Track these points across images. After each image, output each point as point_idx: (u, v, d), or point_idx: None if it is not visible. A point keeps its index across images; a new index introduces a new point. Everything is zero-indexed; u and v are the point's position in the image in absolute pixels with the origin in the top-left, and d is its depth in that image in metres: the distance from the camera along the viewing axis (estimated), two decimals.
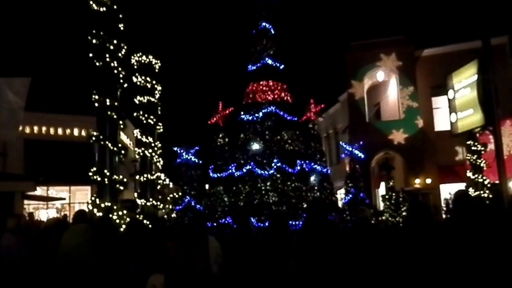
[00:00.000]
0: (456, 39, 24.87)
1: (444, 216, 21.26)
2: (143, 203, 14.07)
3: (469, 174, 17.46)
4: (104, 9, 10.54)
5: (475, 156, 17.32)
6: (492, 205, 13.76)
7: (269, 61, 21.54)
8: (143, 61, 14.68)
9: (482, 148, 17.36)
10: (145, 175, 14.36)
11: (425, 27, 52.20)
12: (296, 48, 71.39)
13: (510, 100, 20.88)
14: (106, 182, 10.07)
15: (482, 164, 17.23)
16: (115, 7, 10.70)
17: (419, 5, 61.72)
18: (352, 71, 27.06)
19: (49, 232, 8.30)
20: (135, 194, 14.73)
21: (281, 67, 21.92)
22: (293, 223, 16.60)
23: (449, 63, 20.45)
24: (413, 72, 25.99)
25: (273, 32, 22.06)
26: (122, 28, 10.88)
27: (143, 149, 14.45)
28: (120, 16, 10.84)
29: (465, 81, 16.89)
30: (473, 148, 17.38)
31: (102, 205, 9.84)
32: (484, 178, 17.07)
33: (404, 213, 18.22)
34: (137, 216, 12.43)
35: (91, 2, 10.48)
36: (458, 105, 17.47)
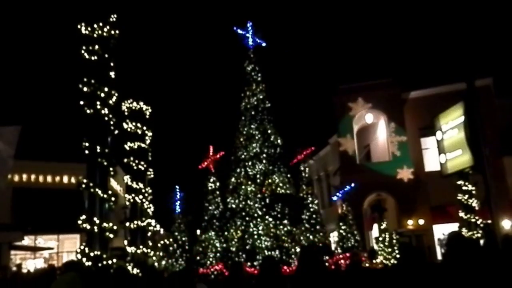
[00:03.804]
0: (442, 81, 25.42)
1: (439, 257, 21.04)
2: (133, 251, 13.77)
3: (461, 214, 17.42)
4: (96, 57, 10.70)
5: (467, 196, 17.34)
6: (486, 245, 13.66)
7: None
8: (133, 107, 14.76)
9: (473, 188, 17.40)
10: (136, 222, 14.14)
11: (411, 70, 53.48)
12: (285, 91, 72.54)
13: (497, 140, 21.16)
14: (96, 230, 9.91)
15: (473, 204, 17.23)
16: (106, 55, 10.87)
17: (405, 48, 63.49)
18: (340, 114, 27.39)
19: (37, 283, 8.08)
20: (125, 242, 14.44)
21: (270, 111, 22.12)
22: (286, 268, 16.28)
23: (436, 104, 20.81)
24: (400, 114, 26.38)
25: (261, 75, 22.41)
26: (113, 76, 11.00)
27: (133, 195, 14.28)
28: (111, 64, 10.99)
29: (452, 123, 17.12)
30: (464, 188, 17.43)
31: (91, 254, 9.63)
32: (477, 218, 17.04)
33: (398, 255, 18.00)
34: (127, 264, 12.15)
35: (83, 51, 10.64)
36: (446, 146, 17.63)
